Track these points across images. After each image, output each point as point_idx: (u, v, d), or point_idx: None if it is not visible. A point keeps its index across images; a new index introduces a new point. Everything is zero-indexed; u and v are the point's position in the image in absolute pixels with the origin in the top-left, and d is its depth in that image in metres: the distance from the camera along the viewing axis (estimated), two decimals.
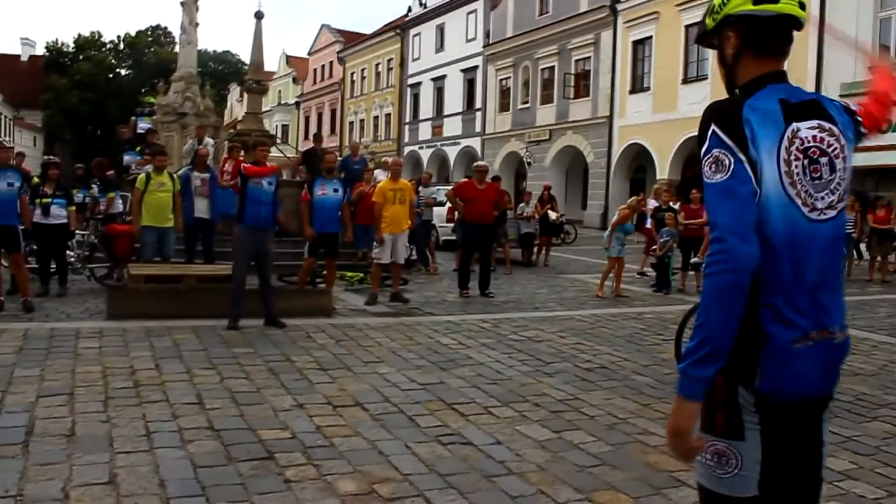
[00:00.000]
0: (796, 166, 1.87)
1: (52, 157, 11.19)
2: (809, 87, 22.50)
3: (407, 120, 44.86)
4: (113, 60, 67.79)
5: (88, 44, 65.73)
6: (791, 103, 1.91)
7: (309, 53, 58.29)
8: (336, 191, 9.75)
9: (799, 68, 21.10)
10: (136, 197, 9.89)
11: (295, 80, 59.89)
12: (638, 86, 28.51)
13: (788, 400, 1.86)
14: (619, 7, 28.92)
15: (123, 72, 68.42)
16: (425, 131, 42.86)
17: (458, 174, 35.34)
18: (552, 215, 16.75)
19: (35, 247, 9.95)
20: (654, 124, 26.85)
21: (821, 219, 1.88)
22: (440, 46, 41.30)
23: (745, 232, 1.76)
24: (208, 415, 4.85)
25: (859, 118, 2.04)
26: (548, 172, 31.94)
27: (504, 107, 36.07)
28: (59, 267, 9.91)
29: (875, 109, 2.12)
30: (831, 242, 1.91)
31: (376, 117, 48.27)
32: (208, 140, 14.44)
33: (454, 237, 14.62)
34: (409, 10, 44.50)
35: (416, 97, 43.94)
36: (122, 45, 68.88)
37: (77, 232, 10.46)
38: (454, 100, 40.22)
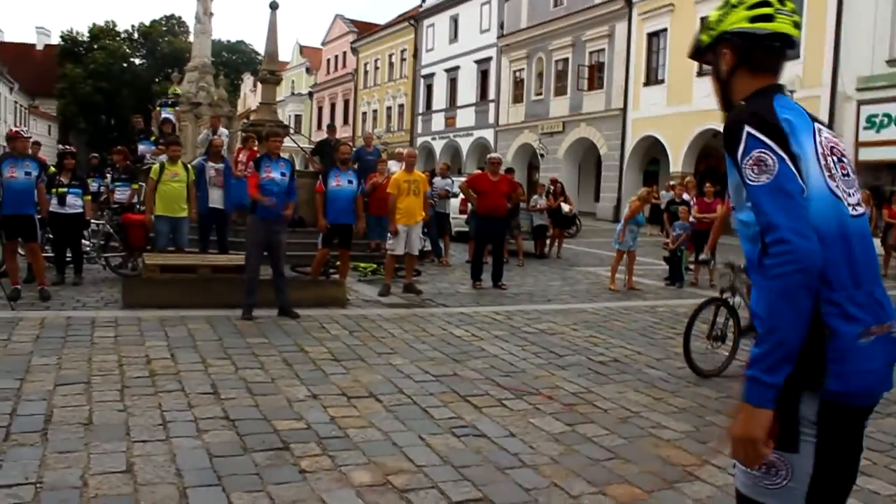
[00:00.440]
0: (831, 161, 1.87)
1: (68, 146, 11.26)
2: (826, 81, 22.38)
3: (420, 111, 44.82)
4: (127, 50, 67.99)
5: (103, 33, 65.98)
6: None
7: (322, 44, 58.34)
8: (350, 182, 9.79)
9: (816, 62, 20.94)
10: (150, 187, 9.95)
11: (308, 71, 59.97)
12: (652, 78, 28.37)
13: (855, 400, 1.83)
14: None
15: (138, 61, 68.73)
16: (438, 122, 42.82)
17: (471, 165, 35.30)
18: (565, 207, 16.70)
19: (51, 236, 10.07)
20: (668, 117, 26.70)
21: (858, 213, 1.89)
22: (454, 37, 41.19)
23: (806, 229, 1.71)
24: (223, 405, 4.89)
25: None
26: (561, 164, 31.88)
27: (517, 98, 35.97)
28: (75, 256, 9.97)
29: None
30: (869, 238, 1.92)
31: (389, 108, 48.26)
32: (222, 130, 14.48)
33: (466, 229, 14.63)
34: (423, 0, 44.41)
35: (429, 88, 43.88)
36: (136, 35, 69.17)
37: (92, 221, 10.54)
38: (467, 91, 40.13)
